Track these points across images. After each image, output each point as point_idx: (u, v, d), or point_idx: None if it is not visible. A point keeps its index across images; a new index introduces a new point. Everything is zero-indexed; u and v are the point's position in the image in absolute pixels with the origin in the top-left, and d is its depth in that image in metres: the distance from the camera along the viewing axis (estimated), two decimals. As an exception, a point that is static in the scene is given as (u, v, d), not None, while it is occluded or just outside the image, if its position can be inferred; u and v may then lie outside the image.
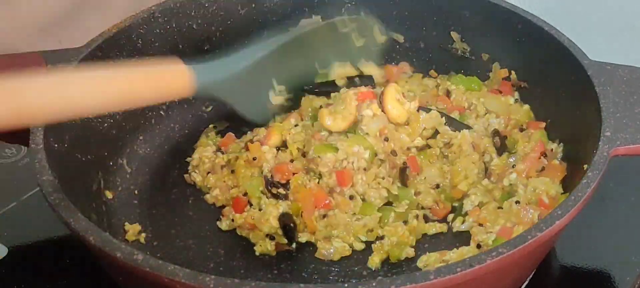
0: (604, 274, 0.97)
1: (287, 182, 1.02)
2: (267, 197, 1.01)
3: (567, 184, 0.95)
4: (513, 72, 1.12)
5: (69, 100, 0.80)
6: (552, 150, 1.02)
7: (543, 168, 1.00)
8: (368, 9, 1.17)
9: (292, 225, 0.97)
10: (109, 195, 1.03)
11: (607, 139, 0.88)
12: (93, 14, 1.27)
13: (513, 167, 1.01)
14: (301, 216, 0.98)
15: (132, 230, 1.00)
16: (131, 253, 0.76)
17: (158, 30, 1.13)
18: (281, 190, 1.00)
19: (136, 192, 1.06)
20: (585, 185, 0.83)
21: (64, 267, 0.97)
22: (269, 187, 1.01)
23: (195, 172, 1.08)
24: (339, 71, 1.14)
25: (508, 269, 0.81)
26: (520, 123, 1.08)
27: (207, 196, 1.05)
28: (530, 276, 0.91)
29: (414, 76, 1.19)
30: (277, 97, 1.10)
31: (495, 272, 0.76)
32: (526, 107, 1.09)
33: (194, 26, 1.16)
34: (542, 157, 1.00)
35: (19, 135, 0.93)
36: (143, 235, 1.00)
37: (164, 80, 0.91)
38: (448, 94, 1.12)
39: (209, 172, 1.07)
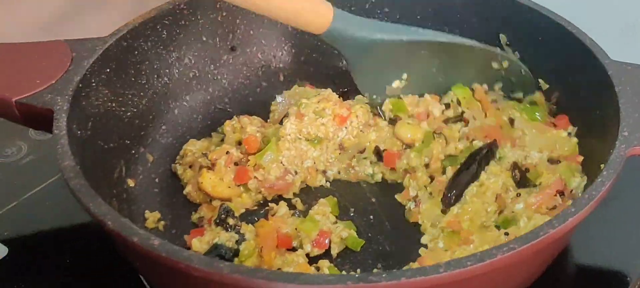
0: (620, 275, 0.96)
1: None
2: (215, 224, 0.99)
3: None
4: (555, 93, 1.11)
5: None
6: (572, 191, 0.99)
7: (555, 207, 0.97)
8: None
9: (224, 256, 0.94)
10: (130, 183, 1.04)
11: (625, 138, 0.88)
12: (93, 14, 1.28)
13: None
14: (260, 252, 0.95)
15: (152, 217, 1.01)
16: (148, 238, 0.77)
17: (183, 22, 1.14)
18: (230, 221, 0.98)
19: (157, 180, 1.08)
20: (599, 184, 0.83)
21: (64, 266, 0.98)
22: (222, 215, 0.99)
23: (179, 164, 1.09)
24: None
25: (518, 265, 0.81)
26: (556, 156, 1.04)
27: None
28: (543, 273, 0.91)
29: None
30: (398, 84, 1.11)
31: (505, 268, 0.77)
32: (574, 141, 1.04)
33: (219, 18, 1.17)
34: (557, 195, 0.98)
35: (44, 122, 0.95)
36: (162, 223, 1.02)
37: (305, 6, 0.97)
38: (512, 122, 1.09)
39: (190, 166, 1.07)
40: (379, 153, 1.08)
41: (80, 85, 0.98)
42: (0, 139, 1.16)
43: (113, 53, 1.05)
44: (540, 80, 1.11)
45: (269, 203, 1.03)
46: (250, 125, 1.09)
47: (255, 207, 1.04)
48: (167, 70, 1.13)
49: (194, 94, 1.16)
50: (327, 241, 0.95)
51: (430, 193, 1.02)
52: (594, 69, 1.00)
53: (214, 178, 1.02)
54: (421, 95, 1.12)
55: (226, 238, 0.95)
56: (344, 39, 1.00)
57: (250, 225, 0.98)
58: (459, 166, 1.03)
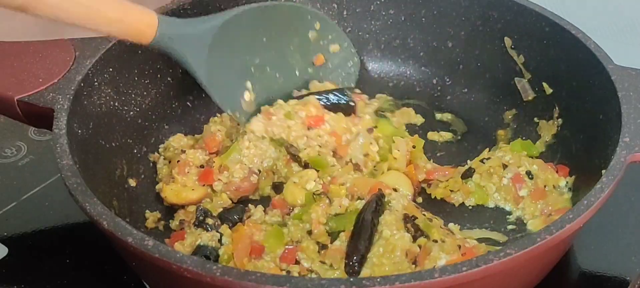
0: (625, 282, 0.96)
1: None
2: (195, 226, 0.98)
3: (583, 189, 0.94)
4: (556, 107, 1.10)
5: None
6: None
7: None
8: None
9: (210, 257, 0.93)
10: (131, 182, 1.04)
11: (626, 144, 0.87)
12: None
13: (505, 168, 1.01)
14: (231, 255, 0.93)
15: (152, 217, 1.02)
16: (142, 239, 0.77)
17: (186, 21, 1.14)
18: (209, 221, 0.97)
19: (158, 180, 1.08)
20: (599, 190, 0.82)
21: (64, 266, 0.98)
22: (200, 217, 0.98)
23: (159, 153, 1.09)
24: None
25: (516, 270, 0.80)
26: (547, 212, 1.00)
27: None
28: (544, 279, 0.90)
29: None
30: (249, 96, 1.06)
31: (502, 273, 0.76)
32: (567, 196, 1.00)
33: (223, 19, 1.17)
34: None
35: (45, 121, 0.95)
36: (162, 223, 1.02)
37: (127, 14, 0.91)
38: (529, 175, 1.02)
39: (169, 161, 1.07)
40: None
41: (82, 84, 0.99)
42: (0, 139, 1.17)
43: (116, 52, 1.05)
44: (544, 84, 1.10)
45: (249, 204, 1.02)
46: (214, 125, 1.10)
47: (232, 206, 1.02)
48: (170, 70, 1.13)
49: (197, 94, 1.16)
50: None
51: (330, 265, 0.90)
52: (597, 73, 0.99)
53: (175, 188, 1.02)
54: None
55: (208, 238, 0.94)
56: (175, 42, 0.96)
57: (227, 227, 0.97)
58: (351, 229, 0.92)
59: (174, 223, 1.01)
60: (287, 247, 0.92)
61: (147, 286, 0.94)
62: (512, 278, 0.82)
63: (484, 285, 0.78)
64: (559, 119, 1.08)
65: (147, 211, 1.02)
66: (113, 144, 1.03)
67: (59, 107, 0.95)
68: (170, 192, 1.01)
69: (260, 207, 1.00)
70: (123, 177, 1.04)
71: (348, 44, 1.12)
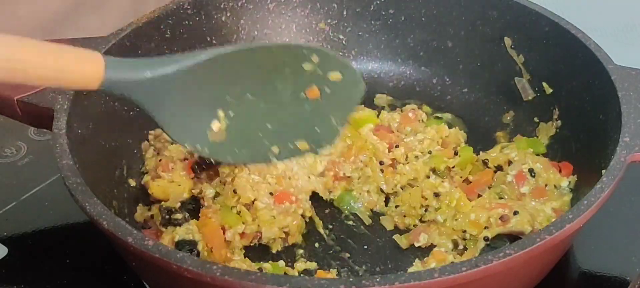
0: (625, 282, 0.95)
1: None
2: (164, 226, 0.97)
3: (583, 189, 0.94)
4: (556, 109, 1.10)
5: None
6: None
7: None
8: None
9: (194, 250, 0.92)
10: (132, 182, 1.04)
11: (626, 144, 0.87)
12: (92, 14, 1.28)
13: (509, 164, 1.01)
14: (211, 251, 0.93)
15: (141, 210, 1.01)
16: (142, 239, 0.77)
17: (187, 22, 1.14)
18: (177, 216, 0.97)
19: (159, 180, 1.08)
20: (599, 190, 0.82)
21: (64, 266, 0.98)
22: (166, 216, 0.97)
23: (148, 142, 1.08)
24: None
25: (515, 271, 0.80)
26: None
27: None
28: (544, 279, 0.90)
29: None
30: (218, 125, 0.90)
31: (502, 273, 0.76)
32: (567, 199, 0.99)
33: (223, 19, 1.17)
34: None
35: (45, 121, 0.95)
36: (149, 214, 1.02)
37: (67, 60, 0.76)
38: (531, 172, 1.01)
39: (158, 152, 1.06)
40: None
41: (82, 84, 0.98)
42: (0, 139, 1.16)
43: (116, 52, 1.05)
44: (544, 84, 1.10)
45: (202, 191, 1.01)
46: None
47: (189, 196, 1.02)
48: (171, 70, 1.13)
49: (197, 94, 1.16)
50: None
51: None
52: (597, 73, 0.99)
53: (162, 184, 1.02)
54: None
55: (184, 232, 0.93)
56: (128, 82, 0.81)
57: (195, 221, 0.97)
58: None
59: (140, 216, 1.01)
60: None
61: (147, 286, 0.94)
62: (512, 278, 0.83)
63: (484, 285, 0.78)
64: (558, 121, 1.08)
65: (139, 205, 1.02)
66: (113, 144, 1.03)
67: (58, 107, 0.95)
68: (157, 189, 1.01)
69: (208, 186, 1.01)
70: (123, 177, 1.04)
71: (352, 69, 0.96)
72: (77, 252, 0.99)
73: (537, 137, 1.09)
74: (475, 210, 0.96)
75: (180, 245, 0.92)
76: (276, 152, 0.92)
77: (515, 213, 0.93)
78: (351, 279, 0.73)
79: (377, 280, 0.72)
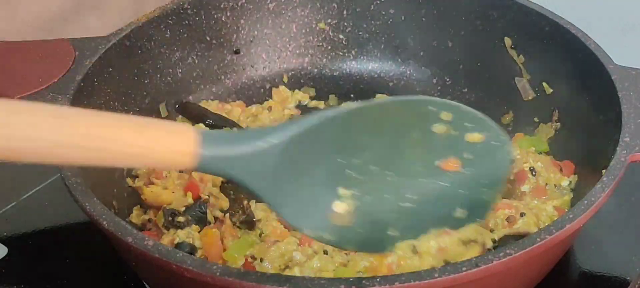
0: (625, 282, 0.95)
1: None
2: (166, 228, 0.96)
3: (583, 189, 0.94)
4: (556, 112, 1.09)
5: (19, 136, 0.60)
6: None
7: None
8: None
9: (192, 253, 0.90)
10: (131, 182, 1.04)
11: (626, 144, 0.87)
12: (92, 14, 1.28)
13: None
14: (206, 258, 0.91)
15: (137, 212, 1.01)
16: (142, 239, 0.77)
17: (187, 22, 1.14)
18: (181, 219, 0.96)
19: (159, 180, 1.07)
20: (599, 190, 0.82)
21: (64, 266, 0.97)
22: (169, 218, 0.96)
23: None
24: None
25: (516, 271, 0.80)
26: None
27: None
28: (544, 279, 0.90)
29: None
30: (341, 207, 0.77)
31: (502, 273, 0.76)
32: (567, 198, 0.99)
33: (223, 18, 1.17)
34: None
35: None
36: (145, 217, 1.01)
37: (156, 136, 0.66)
38: (532, 171, 1.01)
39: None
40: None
41: (82, 84, 0.98)
42: (0, 139, 1.16)
43: (116, 52, 1.05)
44: (544, 84, 1.10)
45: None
46: None
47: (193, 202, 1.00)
48: (170, 70, 1.13)
49: (197, 94, 1.17)
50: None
51: None
52: (597, 73, 0.99)
53: (155, 190, 1.01)
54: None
55: (185, 235, 0.93)
56: (225, 164, 0.69)
57: (197, 228, 0.95)
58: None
59: (138, 219, 1.00)
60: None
61: (147, 286, 0.94)
62: (512, 278, 0.82)
63: (484, 285, 0.78)
64: (557, 124, 1.08)
65: (136, 208, 1.02)
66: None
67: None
68: (150, 195, 1.00)
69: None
70: (123, 177, 1.04)
71: (495, 131, 0.81)
72: (77, 252, 0.99)
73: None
74: None
75: (179, 247, 0.91)
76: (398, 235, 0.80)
77: (522, 215, 0.93)
78: (351, 279, 0.73)
79: (377, 280, 0.72)
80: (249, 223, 0.96)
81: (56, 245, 1.00)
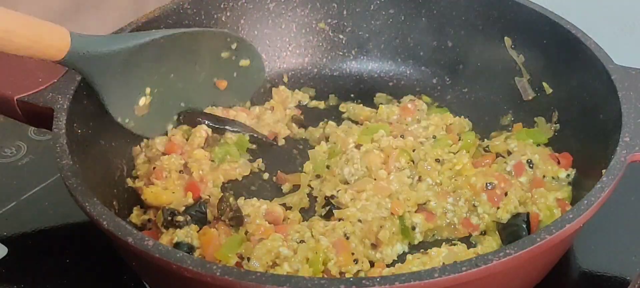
0: (625, 282, 0.95)
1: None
2: (165, 227, 0.96)
3: (583, 188, 0.94)
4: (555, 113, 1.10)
5: None
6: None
7: None
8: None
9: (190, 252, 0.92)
10: (131, 183, 1.04)
11: (626, 144, 0.87)
12: (92, 13, 1.28)
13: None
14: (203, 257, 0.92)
15: (137, 212, 1.01)
16: (142, 239, 0.77)
17: (187, 22, 1.14)
18: (180, 218, 0.96)
19: (159, 180, 1.07)
20: (599, 190, 0.82)
21: (64, 266, 0.97)
22: (168, 218, 0.96)
23: (141, 147, 1.07)
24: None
25: (515, 270, 0.80)
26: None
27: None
28: (544, 279, 0.90)
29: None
30: (144, 101, 1.05)
31: (502, 273, 0.76)
32: (567, 189, 1.00)
33: (223, 18, 1.17)
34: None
35: (45, 121, 0.95)
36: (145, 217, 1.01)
37: (37, 30, 0.88)
38: (530, 163, 1.02)
39: (149, 160, 1.06)
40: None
41: (82, 84, 0.98)
42: (0, 139, 1.16)
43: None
44: (544, 84, 1.10)
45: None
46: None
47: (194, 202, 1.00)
48: (170, 70, 1.13)
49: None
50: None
51: None
52: (597, 73, 0.99)
53: (155, 190, 1.00)
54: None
55: (184, 234, 0.93)
56: (87, 56, 0.93)
57: (196, 227, 0.95)
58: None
59: (138, 219, 1.00)
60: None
61: (147, 286, 0.94)
62: (512, 278, 0.82)
63: (484, 285, 0.78)
64: (556, 124, 1.08)
65: (136, 208, 1.01)
66: (113, 144, 1.03)
67: (58, 106, 0.95)
68: (150, 195, 1.00)
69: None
70: (123, 177, 1.03)
71: (260, 57, 1.17)
72: (77, 252, 0.99)
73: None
74: (477, 175, 0.99)
75: (177, 246, 0.91)
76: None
77: (506, 194, 0.97)
78: (351, 279, 0.73)
79: (377, 280, 0.72)
80: (238, 219, 0.96)
81: (56, 245, 1.00)
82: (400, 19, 1.20)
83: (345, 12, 1.22)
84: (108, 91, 0.98)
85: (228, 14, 1.17)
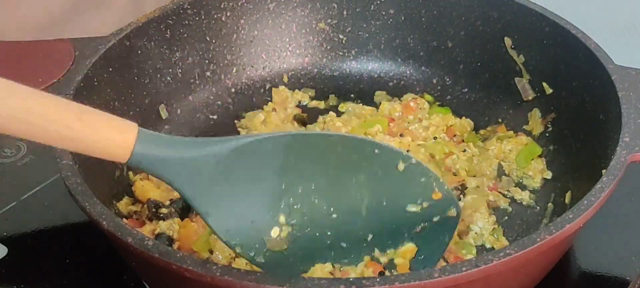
0: (625, 282, 0.95)
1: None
2: (149, 220, 0.96)
3: (583, 189, 0.94)
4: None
5: None
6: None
7: None
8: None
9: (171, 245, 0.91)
10: (131, 175, 1.04)
11: (626, 144, 0.87)
12: (92, 14, 1.28)
13: None
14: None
15: (126, 201, 1.01)
16: (142, 239, 0.77)
17: (187, 22, 1.14)
18: (164, 210, 0.96)
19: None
20: (599, 190, 0.82)
21: (64, 266, 0.97)
22: (153, 210, 0.96)
23: None
24: None
25: (515, 271, 0.80)
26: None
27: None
28: (543, 279, 0.90)
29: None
30: (277, 232, 0.79)
31: (501, 273, 0.76)
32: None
33: (223, 18, 1.17)
34: None
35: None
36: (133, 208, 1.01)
37: (95, 124, 0.70)
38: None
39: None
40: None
41: (82, 84, 0.98)
42: (0, 139, 1.16)
43: (116, 52, 1.05)
44: (544, 84, 1.10)
45: None
46: None
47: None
48: (170, 70, 1.13)
49: (197, 94, 1.16)
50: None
51: None
52: (597, 73, 0.99)
53: (147, 185, 1.01)
54: None
55: (166, 227, 0.94)
56: (159, 164, 0.73)
57: (179, 220, 0.96)
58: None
59: (125, 208, 1.00)
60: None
61: (147, 286, 0.94)
62: (512, 278, 0.82)
63: (483, 285, 0.78)
64: (549, 126, 1.09)
65: (125, 197, 1.02)
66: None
67: (59, 106, 0.95)
68: (140, 189, 1.01)
69: None
70: (123, 177, 1.03)
71: (448, 189, 0.83)
72: (77, 252, 0.99)
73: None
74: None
75: (158, 238, 0.92)
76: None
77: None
78: (351, 279, 0.73)
79: (377, 280, 0.72)
80: None
81: (56, 245, 1.00)
82: (400, 19, 1.20)
83: (345, 12, 1.22)
84: (212, 210, 0.75)
85: (228, 14, 1.17)
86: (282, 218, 0.78)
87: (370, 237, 0.81)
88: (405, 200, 0.80)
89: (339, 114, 1.16)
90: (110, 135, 0.71)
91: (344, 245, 0.80)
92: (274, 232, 0.78)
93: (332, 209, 0.79)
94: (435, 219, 0.82)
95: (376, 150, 0.78)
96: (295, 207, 0.77)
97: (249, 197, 0.76)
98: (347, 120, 1.12)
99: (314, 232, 0.79)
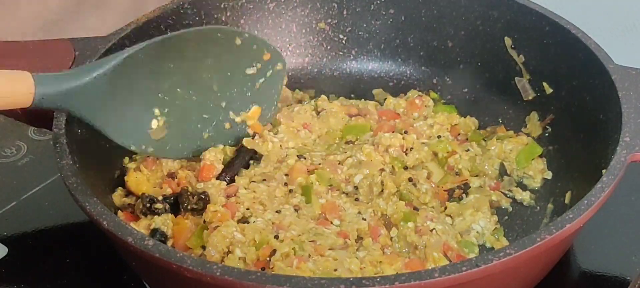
0: (625, 282, 0.95)
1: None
2: (144, 215, 0.96)
3: (583, 189, 0.95)
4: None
5: None
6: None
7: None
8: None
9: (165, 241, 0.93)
10: (127, 162, 1.04)
11: (626, 144, 0.87)
12: (92, 13, 1.28)
13: None
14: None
15: (120, 193, 1.01)
16: (142, 239, 0.77)
17: (187, 22, 1.14)
18: (158, 205, 0.96)
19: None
20: (599, 190, 0.82)
21: (64, 266, 0.98)
22: (147, 205, 0.96)
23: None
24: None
25: (516, 270, 0.80)
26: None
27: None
28: (543, 279, 0.90)
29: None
30: (156, 123, 0.98)
31: (502, 273, 0.76)
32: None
33: (223, 18, 1.17)
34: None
35: (46, 120, 0.95)
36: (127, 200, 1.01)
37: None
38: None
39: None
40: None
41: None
42: (0, 139, 1.16)
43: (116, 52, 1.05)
44: (544, 84, 1.10)
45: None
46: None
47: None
48: (171, 70, 1.13)
49: (197, 94, 1.16)
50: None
51: None
52: (598, 73, 0.99)
53: (140, 178, 1.01)
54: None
55: (161, 222, 0.94)
56: (61, 94, 0.85)
57: (173, 216, 0.96)
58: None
59: (119, 200, 1.00)
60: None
61: (147, 286, 0.94)
62: (512, 278, 0.83)
63: (484, 285, 0.78)
64: (548, 127, 1.09)
65: (119, 189, 1.02)
66: (113, 144, 1.02)
67: (59, 107, 0.95)
68: (133, 181, 1.01)
69: None
70: (123, 177, 1.03)
71: (274, 48, 1.06)
72: (77, 252, 0.99)
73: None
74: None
75: (153, 234, 0.93)
76: (206, 138, 1.02)
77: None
78: (351, 279, 0.73)
79: (377, 280, 0.72)
80: (204, 201, 0.96)
81: (56, 245, 1.00)
82: (400, 19, 1.20)
83: (345, 12, 1.22)
84: (106, 123, 0.92)
85: (228, 14, 1.17)
86: (157, 111, 0.97)
87: (224, 104, 1.02)
88: (244, 66, 1.03)
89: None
90: (12, 87, 0.82)
91: (206, 116, 1.01)
92: (154, 124, 0.97)
93: (191, 92, 0.99)
94: (269, 74, 1.05)
95: (219, 34, 1.00)
96: (165, 99, 0.97)
97: (132, 102, 0.93)
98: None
99: (183, 113, 0.99)
